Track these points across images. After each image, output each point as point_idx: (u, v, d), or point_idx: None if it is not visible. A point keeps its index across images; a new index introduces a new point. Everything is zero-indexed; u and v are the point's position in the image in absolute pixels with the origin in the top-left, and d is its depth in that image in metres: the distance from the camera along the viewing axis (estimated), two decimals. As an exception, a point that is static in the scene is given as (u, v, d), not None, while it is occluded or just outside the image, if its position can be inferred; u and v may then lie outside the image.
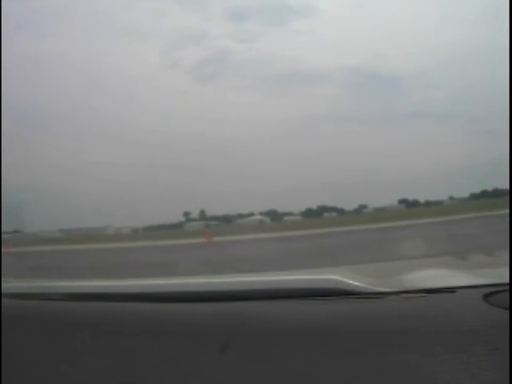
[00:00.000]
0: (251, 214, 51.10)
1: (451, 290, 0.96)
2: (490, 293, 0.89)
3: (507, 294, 0.86)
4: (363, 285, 1.02)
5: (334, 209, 52.42)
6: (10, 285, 1.30)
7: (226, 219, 50.80)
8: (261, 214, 50.32)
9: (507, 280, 0.90)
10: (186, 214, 51.56)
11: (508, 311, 0.82)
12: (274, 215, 49.99)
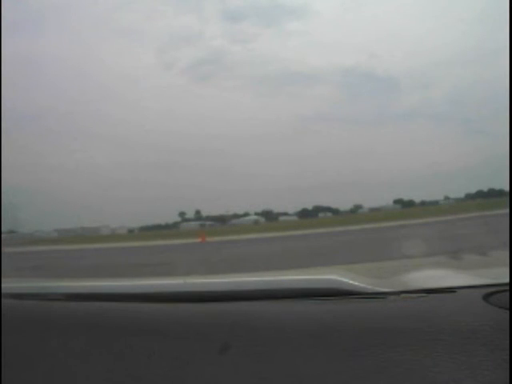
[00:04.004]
0: (246, 214, 51.12)
1: (451, 290, 0.96)
2: (489, 293, 0.90)
3: (507, 294, 0.86)
4: (363, 285, 1.02)
5: (329, 209, 52.48)
6: (10, 285, 1.30)
7: (222, 219, 50.77)
8: (256, 214, 50.34)
9: (507, 280, 0.90)
10: (182, 214, 51.52)
11: (508, 311, 0.82)
12: (269, 215, 50.00)
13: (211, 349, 0.89)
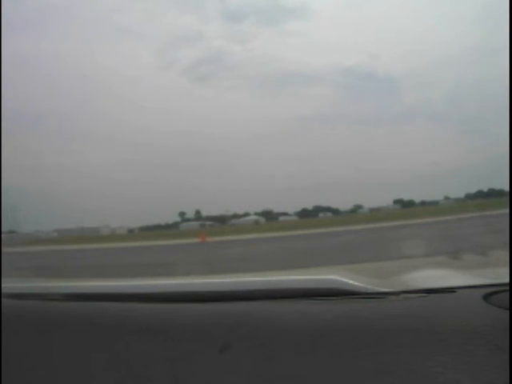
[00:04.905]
0: (246, 214, 51.14)
1: (451, 290, 0.96)
2: (489, 293, 0.90)
3: (507, 294, 0.86)
4: (363, 285, 1.02)
5: (329, 209, 52.51)
6: (10, 285, 1.30)
7: (222, 219, 50.77)
8: (256, 214, 50.36)
9: (507, 280, 0.90)
10: (182, 214, 51.53)
11: (508, 311, 0.82)
12: (269, 215, 50.01)
13: (211, 349, 0.89)
